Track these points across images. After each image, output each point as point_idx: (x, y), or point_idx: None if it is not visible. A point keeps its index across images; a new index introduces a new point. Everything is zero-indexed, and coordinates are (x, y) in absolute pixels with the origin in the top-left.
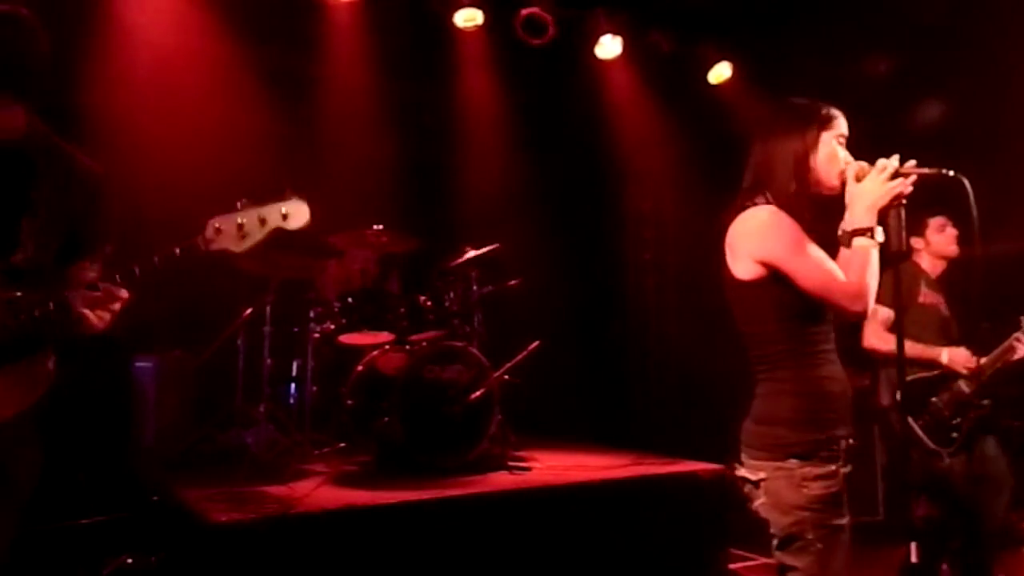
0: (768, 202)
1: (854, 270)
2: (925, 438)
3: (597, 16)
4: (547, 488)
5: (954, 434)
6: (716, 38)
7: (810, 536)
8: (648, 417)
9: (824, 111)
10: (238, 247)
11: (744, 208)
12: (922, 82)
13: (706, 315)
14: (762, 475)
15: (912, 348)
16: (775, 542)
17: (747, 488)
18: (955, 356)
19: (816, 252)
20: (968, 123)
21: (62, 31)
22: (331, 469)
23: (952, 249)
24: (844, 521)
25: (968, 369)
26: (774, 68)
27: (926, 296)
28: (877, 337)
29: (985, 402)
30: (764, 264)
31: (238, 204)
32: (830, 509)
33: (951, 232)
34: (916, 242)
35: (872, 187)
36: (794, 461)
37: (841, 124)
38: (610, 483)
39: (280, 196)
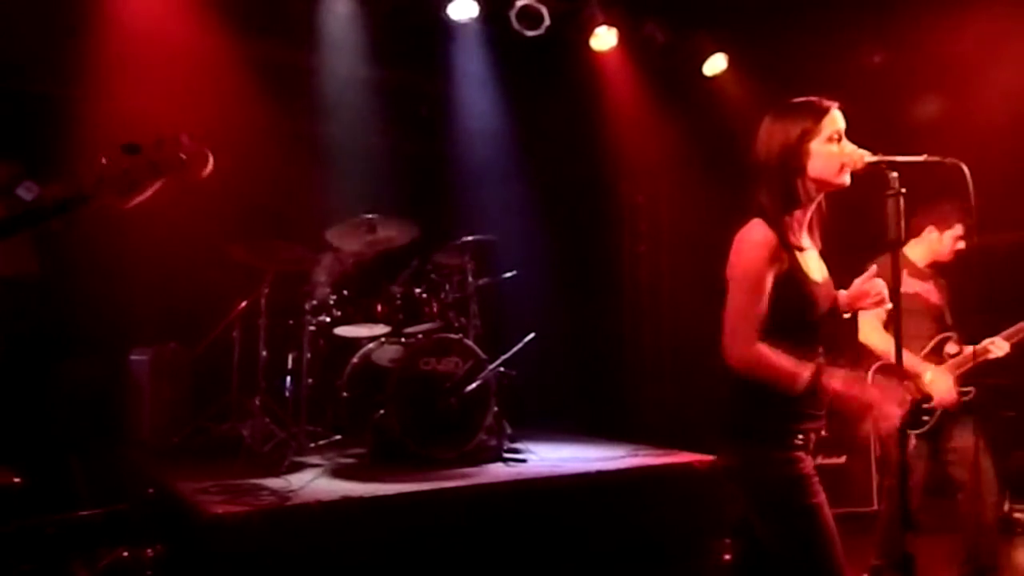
0: (763, 212)
1: (776, 364)
2: None
3: (592, 7)
4: (543, 480)
5: (925, 417)
6: (711, 30)
7: (784, 517)
8: (643, 408)
9: (811, 116)
10: (124, 199)
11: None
12: (918, 73)
13: (701, 307)
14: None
15: (906, 358)
16: (752, 523)
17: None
18: (937, 383)
19: (756, 290)
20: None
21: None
22: (327, 461)
23: (946, 256)
24: (818, 499)
25: (943, 404)
26: (769, 60)
27: (908, 285)
28: (875, 333)
29: (968, 389)
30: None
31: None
32: (801, 489)
33: (957, 245)
34: (928, 230)
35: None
36: (765, 445)
37: (830, 124)
38: (605, 474)
39: (175, 142)
